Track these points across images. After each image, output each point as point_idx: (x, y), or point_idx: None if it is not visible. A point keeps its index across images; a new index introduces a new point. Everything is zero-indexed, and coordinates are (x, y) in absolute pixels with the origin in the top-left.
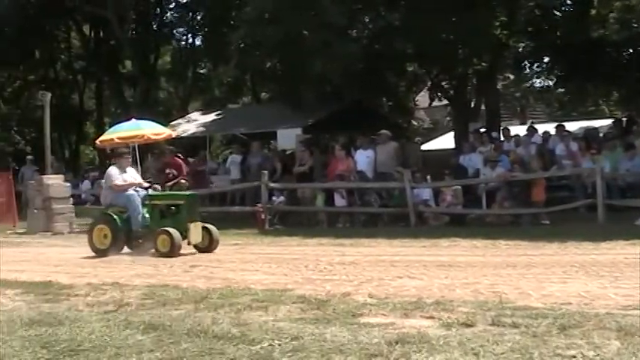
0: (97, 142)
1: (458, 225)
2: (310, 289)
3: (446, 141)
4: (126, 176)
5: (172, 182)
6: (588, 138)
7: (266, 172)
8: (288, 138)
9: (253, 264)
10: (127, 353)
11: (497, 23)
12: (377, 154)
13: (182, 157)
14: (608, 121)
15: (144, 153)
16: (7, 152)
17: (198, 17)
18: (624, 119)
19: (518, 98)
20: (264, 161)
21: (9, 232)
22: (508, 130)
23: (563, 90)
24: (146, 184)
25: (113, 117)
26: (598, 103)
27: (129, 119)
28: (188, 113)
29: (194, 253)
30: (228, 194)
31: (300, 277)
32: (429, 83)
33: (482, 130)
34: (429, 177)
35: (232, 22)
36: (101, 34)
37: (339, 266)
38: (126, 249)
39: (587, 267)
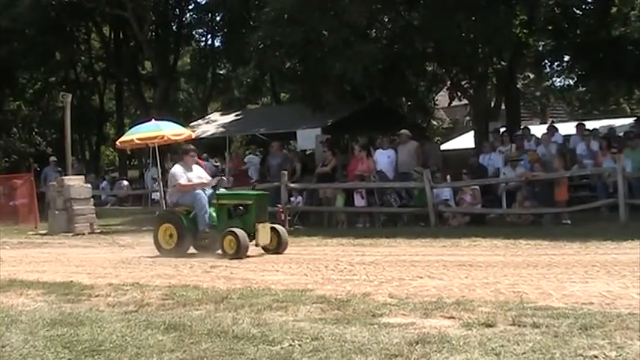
0: (117, 142)
1: (478, 225)
2: (330, 290)
3: (465, 140)
4: (191, 175)
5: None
6: (609, 137)
7: (285, 172)
8: (307, 138)
9: (273, 264)
10: (148, 353)
11: (517, 22)
12: (397, 154)
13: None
14: (630, 120)
15: (164, 154)
16: (28, 153)
17: (218, 18)
18: None
19: (538, 97)
20: (284, 162)
21: (31, 232)
22: (528, 129)
23: (583, 89)
24: (213, 183)
25: (133, 118)
26: (619, 101)
27: (149, 120)
28: (208, 114)
29: (262, 255)
30: None
31: (320, 277)
32: (449, 83)
33: (502, 129)
34: (448, 177)
35: (252, 23)
36: (121, 35)
37: (359, 266)
38: (191, 249)
39: (608, 267)
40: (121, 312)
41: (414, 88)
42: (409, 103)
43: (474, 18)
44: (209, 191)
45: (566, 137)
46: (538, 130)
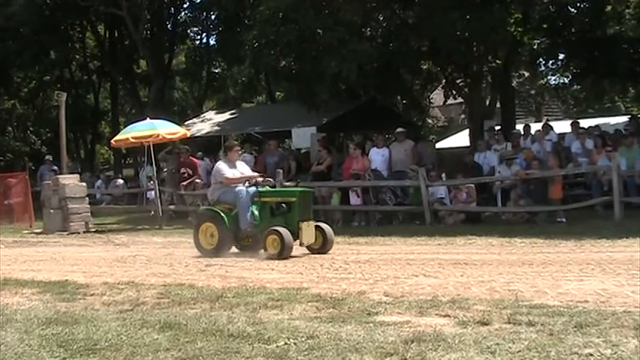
0: (113, 141)
1: (473, 223)
2: (326, 288)
3: (460, 139)
4: (235, 171)
5: (187, 182)
6: (604, 135)
7: (281, 170)
8: (302, 137)
9: (268, 263)
10: (143, 352)
11: (512, 20)
12: (393, 152)
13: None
14: (625, 118)
15: (158, 152)
16: (23, 152)
17: (213, 17)
18: None
19: (533, 96)
20: (281, 160)
21: (26, 231)
22: (529, 126)
23: (578, 87)
24: (259, 179)
25: (128, 117)
26: (614, 99)
27: (144, 119)
28: (203, 113)
29: (307, 254)
30: None
31: (315, 275)
32: (444, 81)
33: (497, 127)
34: (443, 175)
35: (247, 22)
36: (116, 34)
37: (355, 265)
38: (233, 249)
39: (603, 265)
40: (116, 311)
41: (409, 86)
42: (404, 101)
43: (468, 16)
44: (251, 188)
45: (561, 135)
46: (533, 128)
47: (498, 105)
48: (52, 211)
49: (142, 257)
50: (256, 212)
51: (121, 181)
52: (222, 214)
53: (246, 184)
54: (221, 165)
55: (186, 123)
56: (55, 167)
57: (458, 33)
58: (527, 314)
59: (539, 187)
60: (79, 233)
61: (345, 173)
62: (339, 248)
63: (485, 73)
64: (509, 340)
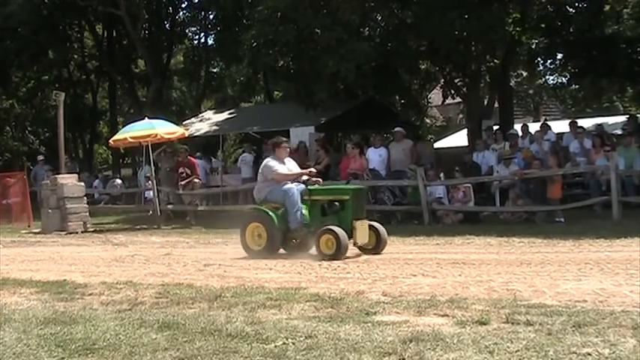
0: (111, 141)
1: (471, 223)
2: (324, 288)
3: (459, 138)
4: (284, 168)
5: (186, 181)
6: (602, 135)
7: None
8: (301, 136)
9: (267, 262)
10: (142, 352)
11: (510, 20)
12: (391, 152)
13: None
14: (623, 118)
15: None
16: (21, 152)
17: (211, 16)
18: (639, 116)
19: (531, 95)
20: None
21: (24, 231)
22: (527, 126)
23: (576, 86)
24: (306, 177)
25: (126, 116)
26: (612, 99)
27: (142, 118)
28: (201, 112)
29: (359, 256)
30: (240, 193)
31: (313, 275)
32: (442, 81)
33: (496, 127)
34: (442, 175)
35: (245, 21)
36: (114, 33)
37: (353, 264)
38: (281, 250)
39: (601, 264)
40: (114, 310)
41: (407, 86)
42: (402, 101)
43: (467, 16)
44: (300, 186)
45: (560, 135)
46: (531, 128)
47: (496, 105)
48: (50, 210)
49: (140, 257)
50: (305, 211)
51: (119, 180)
52: (271, 214)
53: (295, 182)
54: (270, 162)
55: (184, 122)
56: (49, 167)
57: (456, 32)
58: (526, 314)
59: (538, 186)
60: (77, 233)
61: (343, 173)
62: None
63: (484, 72)
64: (507, 339)
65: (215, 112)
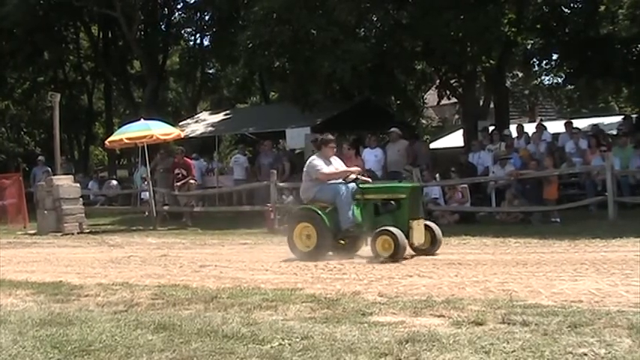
0: (107, 142)
1: (467, 223)
2: (320, 289)
3: (455, 139)
4: (331, 167)
5: (182, 182)
6: (598, 135)
7: (275, 171)
8: (296, 137)
9: (263, 263)
10: (138, 353)
11: (506, 20)
12: (387, 152)
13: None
14: (618, 118)
15: (152, 153)
16: (16, 153)
17: (207, 17)
18: (634, 116)
19: (527, 96)
20: (275, 161)
21: (20, 232)
22: (522, 127)
23: (572, 87)
24: (354, 175)
25: (122, 117)
26: (608, 99)
27: (138, 119)
28: (197, 113)
29: (412, 257)
30: (234, 194)
31: (309, 276)
32: (438, 81)
33: (492, 128)
34: (437, 175)
35: (240, 22)
36: (110, 34)
37: (349, 265)
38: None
39: (597, 264)
40: (110, 312)
41: (402, 86)
42: (398, 101)
43: (462, 17)
44: (351, 185)
45: (555, 135)
46: (527, 128)
47: (492, 105)
48: (45, 212)
49: (136, 258)
50: (357, 211)
51: (114, 181)
52: (321, 213)
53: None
54: (316, 160)
55: (180, 123)
56: (48, 168)
57: (452, 33)
58: (522, 314)
59: (533, 187)
60: (73, 234)
61: None
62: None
63: (479, 73)
64: (503, 340)
65: (211, 113)
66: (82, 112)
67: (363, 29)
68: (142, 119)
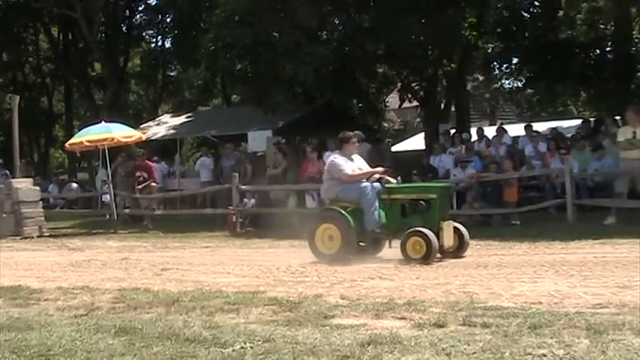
0: (67, 145)
1: None
2: (282, 291)
3: (416, 142)
4: (353, 166)
5: (143, 185)
6: (557, 138)
7: (237, 174)
8: (258, 140)
9: (225, 266)
10: (98, 357)
11: (467, 24)
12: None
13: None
14: (577, 122)
15: (113, 155)
16: None
17: (168, 19)
18: (592, 119)
19: (487, 99)
20: (237, 163)
21: None
22: (482, 129)
23: (532, 91)
24: (378, 175)
25: (83, 120)
26: (567, 103)
27: (99, 122)
28: (158, 116)
29: (440, 260)
30: (198, 196)
31: (272, 279)
32: (399, 84)
33: (453, 131)
34: (399, 178)
35: (202, 25)
36: (70, 36)
37: (311, 268)
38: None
39: (557, 266)
40: (70, 316)
41: (364, 89)
42: (360, 104)
43: (423, 20)
44: (376, 184)
45: (515, 138)
46: (487, 131)
47: (453, 108)
48: (4, 215)
49: (96, 261)
50: (382, 211)
51: (75, 184)
52: (347, 215)
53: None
54: (338, 159)
55: (141, 126)
56: (7, 171)
57: (413, 37)
58: (482, 316)
59: (494, 189)
60: (32, 237)
61: (302, 176)
62: (295, 251)
63: (441, 76)
64: (464, 341)
65: (172, 116)
66: (41, 115)
67: (325, 32)
68: (102, 122)
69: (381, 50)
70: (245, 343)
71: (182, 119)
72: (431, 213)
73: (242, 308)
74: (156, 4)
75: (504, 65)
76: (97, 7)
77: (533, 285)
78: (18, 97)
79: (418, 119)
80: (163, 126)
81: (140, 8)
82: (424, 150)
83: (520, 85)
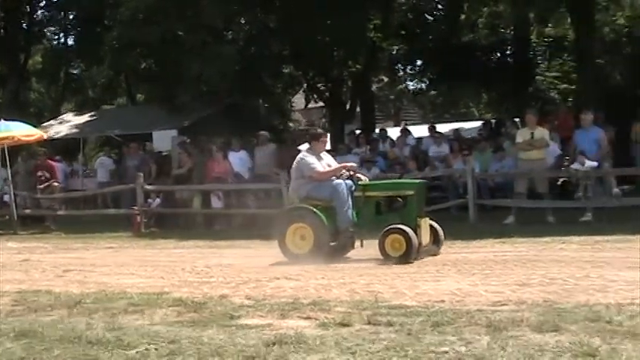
0: None
1: None
2: (187, 292)
3: None
4: (323, 163)
5: (45, 185)
6: (459, 139)
7: (142, 174)
8: (163, 139)
9: (129, 267)
10: None
11: (372, 26)
12: (255, 155)
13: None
14: (478, 123)
15: (13, 155)
16: None
17: (71, 16)
18: (493, 121)
19: (392, 100)
20: (141, 163)
21: None
22: (385, 130)
23: (435, 92)
24: (349, 172)
25: None
26: (469, 105)
27: None
28: (61, 114)
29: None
30: (98, 197)
31: (176, 279)
32: (305, 85)
33: (358, 131)
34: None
35: (106, 22)
36: None
37: (216, 268)
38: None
39: (459, 265)
40: None
41: (270, 90)
42: (266, 105)
43: (329, 21)
44: (348, 181)
45: (419, 139)
46: (392, 132)
47: (358, 109)
48: None
49: None
50: (356, 209)
51: None
52: (320, 213)
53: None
54: (308, 157)
55: (43, 125)
56: None
57: (319, 38)
58: (387, 315)
59: None
60: None
61: (208, 176)
62: (200, 252)
63: (346, 77)
64: (369, 340)
65: (75, 115)
66: None
67: (231, 32)
68: (1, 120)
69: (286, 51)
70: (149, 345)
71: (85, 118)
72: (408, 210)
73: (146, 309)
74: (58, 0)
75: (408, 67)
76: None
77: (435, 284)
78: None
79: (324, 120)
80: (66, 125)
81: (41, 4)
82: (330, 151)
83: (424, 86)
